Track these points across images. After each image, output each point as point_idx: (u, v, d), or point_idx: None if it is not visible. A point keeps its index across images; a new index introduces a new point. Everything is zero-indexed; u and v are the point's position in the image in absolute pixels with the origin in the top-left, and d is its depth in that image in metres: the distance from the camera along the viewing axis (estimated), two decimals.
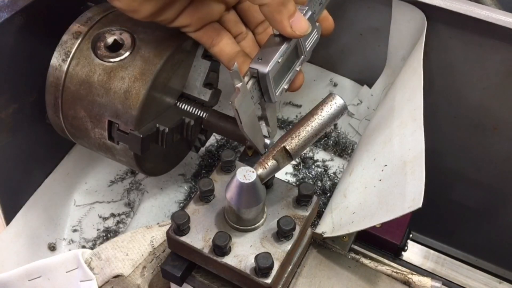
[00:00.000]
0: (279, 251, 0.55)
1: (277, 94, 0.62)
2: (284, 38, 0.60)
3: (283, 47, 0.60)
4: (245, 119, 0.59)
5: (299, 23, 0.58)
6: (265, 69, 0.59)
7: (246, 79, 0.59)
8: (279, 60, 0.60)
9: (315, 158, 0.97)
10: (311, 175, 0.95)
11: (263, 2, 0.56)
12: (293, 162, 0.96)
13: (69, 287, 0.63)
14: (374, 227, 0.70)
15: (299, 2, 0.62)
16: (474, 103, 0.84)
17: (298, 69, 0.65)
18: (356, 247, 0.71)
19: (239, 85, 0.56)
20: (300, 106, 1.03)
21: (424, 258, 0.93)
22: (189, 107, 0.76)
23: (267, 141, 0.68)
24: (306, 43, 0.64)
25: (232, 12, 0.69)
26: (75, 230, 0.90)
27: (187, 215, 0.55)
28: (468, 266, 0.92)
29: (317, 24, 0.65)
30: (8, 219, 0.83)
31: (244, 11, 0.69)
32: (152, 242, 0.63)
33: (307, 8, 0.61)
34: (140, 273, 0.63)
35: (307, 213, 0.59)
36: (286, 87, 0.64)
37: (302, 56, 0.65)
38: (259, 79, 0.60)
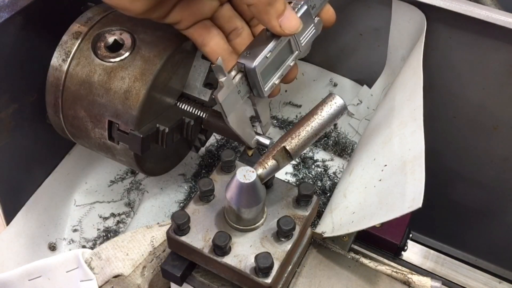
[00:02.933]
0: (279, 251, 0.55)
1: (266, 89, 0.62)
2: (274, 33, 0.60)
3: (273, 42, 0.60)
4: (231, 114, 0.59)
5: (288, 22, 0.57)
6: (251, 64, 0.58)
7: (233, 73, 0.59)
8: (268, 55, 0.60)
9: (315, 158, 0.98)
10: (311, 175, 0.95)
11: (249, 3, 0.56)
12: (293, 162, 0.96)
13: (69, 286, 0.63)
14: (374, 227, 0.70)
15: None
16: (474, 103, 0.84)
17: (291, 64, 0.65)
18: (356, 247, 0.71)
19: (222, 79, 0.56)
20: (300, 106, 1.03)
21: (424, 258, 0.93)
22: (189, 107, 0.76)
23: (267, 141, 0.68)
24: (301, 38, 0.64)
25: (226, 7, 0.67)
26: (75, 230, 0.90)
27: (187, 215, 0.55)
28: (468, 266, 0.92)
29: (316, 18, 0.64)
30: (8, 219, 0.83)
31: (238, 5, 0.68)
32: (152, 242, 0.64)
33: (302, 2, 0.61)
34: (140, 273, 0.63)
35: (307, 213, 0.59)
36: (277, 82, 0.63)
37: (296, 52, 0.64)
38: (246, 74, 0.60)
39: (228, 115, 0.59)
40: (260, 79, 0.60)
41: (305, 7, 0.61)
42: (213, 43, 0.66)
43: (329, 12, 0.66)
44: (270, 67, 0.61)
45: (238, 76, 0.59)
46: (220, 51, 0.66)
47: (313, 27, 0.65)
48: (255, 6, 0.56)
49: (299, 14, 0.60)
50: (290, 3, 0.60)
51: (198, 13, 0.65)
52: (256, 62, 0.59)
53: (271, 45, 0.60)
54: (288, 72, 0.65)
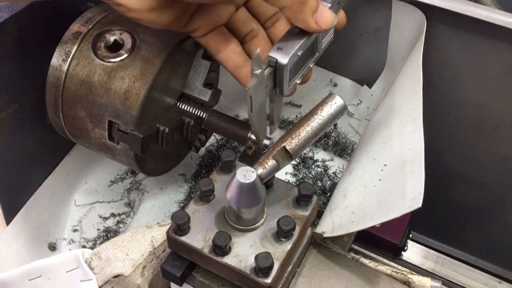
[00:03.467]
0: (279, 251, 0.55)
1: (290, 87, 0.60)
2: (304, 31, 0.59)
3: (304, 40, 0.58)
4: (256, 108, 0.57)
5: (324, 16, 0.57)
6: (285, 59, 0.57)
7: (263, 66, 0.57)
8: (299, 53, 0.58)
9: (315, 158, 0.98)
10: (311, 175, 0.95)
11: (282, 5, 0.55)
12: (293, 162, 0.96)
13: (70, 286, 0.63)
14: (374, 227, 0.70)
15: None
16: (474, 103, 0.84)
17: (311, 65, 0.64)
18: (356, 247, 0.71)
19: (258, 71, 0.54)
20: (300, 106, 1.03)
21: (424, 258, 0.93)
22: (189, 107, 0.76)
23: (267, 141, 0.68)
24: (323, 40, 0.63)
25: (242, 10, 0.67)
26: (75, 230, 0.90)
27: (187, 215, 0.55)
28: (468, 266, 0.92)
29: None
30: (8, 219, 0.83)
31: (253, 8, 0.68)
32: (152, 242, 0.64)
33: (330, 5, 0.60)
34: (140, 273, 0.63)
35: (307, 213, 0.59)
36: (298, 82, 0.62)
37: (317, 53, 0.63)
38: (276, 69, 0.58)
39: (253, 109, 0.57)
40: (287, 76, 0.58)
41: (332, 9, 0.60)
42: (229, 50, 0.66)
43: (340, 15, 0.65)
44: (297, 65, 0.60)
45: (267, 71, 0.57)
46: (236, 57, 0.66)
47: (333, 31, 0.64)
48: (289, 7, 0.55)
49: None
50: None
51: (216, 19, 0.65)
52: (289, 58, 0.57)
53: (302, 42, 0.58)
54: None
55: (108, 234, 0.90)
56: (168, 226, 0.60)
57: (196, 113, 0.75)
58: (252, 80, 0.54)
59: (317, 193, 0.92)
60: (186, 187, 0.95)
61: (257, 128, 0.61)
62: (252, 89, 0.55)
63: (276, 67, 0.58)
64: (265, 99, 0.59)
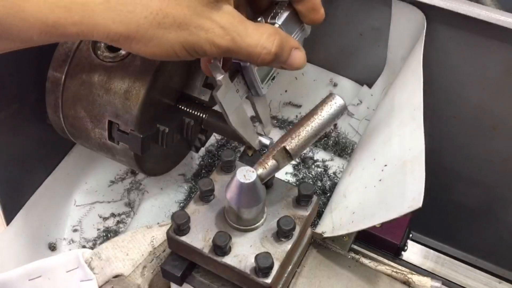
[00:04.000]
0: (279, 251, 0.55)
1: (263, 87, 0.61)
2: None
3: None
4: (232, 114, 0.58)
5: (295, 58, 0.57)
6: (247, 61, 0.58)
7: (229, 73, 0.58)
8: None
9: (315, 158, 0.98)
10: (311, 175, 0.95)
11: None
12: (293, 162, 0.96)
13: (69, 286, 0.63)
14: (374, 227, 0.70)
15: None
16: (474, 103, 0.84)
17: None
18: (356, 247, 0.71)
19: (220, 77, 0.55)
20: (300, 106, 1.03)
21: (424, 258, 0.93)
22: (189, 107, 0.76)
23: (267, 141, 0.68)
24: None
25: None
26: (75, 230, 0.90)
27: (187, 215, 0.55)
28: (468, 266, 0.92)
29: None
30: (8, 219, 0.83)
31: None
32: (152, 242, 0.64)
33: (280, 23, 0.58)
34: (140, 273, 0.63)
35: (307, 213, 0.59)
36: (273, 81, 0.62)
37: None
38: (243, 72, 0.59)
39: (229, 115, 0.58)
40: (257, 76, 0.59)
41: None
42: None
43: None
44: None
45: (236, 76, 0.58)
46: None
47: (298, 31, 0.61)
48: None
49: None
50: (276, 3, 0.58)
51: None
52: None
53: None
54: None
55: (108, 234, 0.90)
56: (168, 226, 0.60)
57: (196, 113, 0.75)
58: (217, 87, 0.55)
59: (317, 193, 0.92)
60: (186, 187, 0.95)
61: (243, 134, 0.61)
62: (220, 95, 0.55)
63: (242, 70, 0.58)
64: (242, 103, 0.60)
